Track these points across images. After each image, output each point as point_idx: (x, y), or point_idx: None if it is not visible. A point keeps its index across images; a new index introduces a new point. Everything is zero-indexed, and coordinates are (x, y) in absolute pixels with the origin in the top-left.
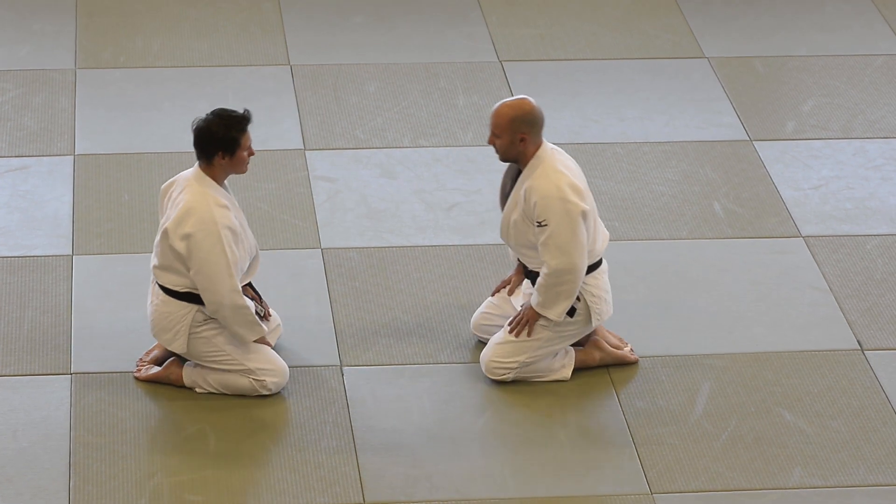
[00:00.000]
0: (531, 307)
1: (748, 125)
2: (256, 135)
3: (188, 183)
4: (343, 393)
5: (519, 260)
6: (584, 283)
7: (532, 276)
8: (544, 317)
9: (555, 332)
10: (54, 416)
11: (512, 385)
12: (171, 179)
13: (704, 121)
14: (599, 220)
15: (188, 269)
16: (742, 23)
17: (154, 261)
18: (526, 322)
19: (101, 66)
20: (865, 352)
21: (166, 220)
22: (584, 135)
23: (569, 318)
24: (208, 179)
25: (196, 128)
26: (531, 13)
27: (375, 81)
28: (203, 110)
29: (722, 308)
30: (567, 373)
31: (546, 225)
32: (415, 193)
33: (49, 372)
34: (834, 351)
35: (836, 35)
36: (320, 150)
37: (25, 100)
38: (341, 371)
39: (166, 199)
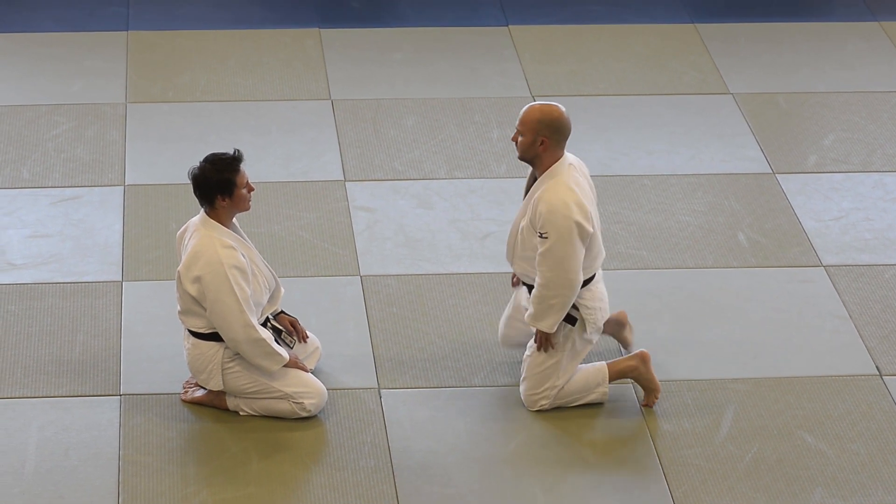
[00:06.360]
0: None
1: (771, 158)
2: (299, 166)
3: (196, 228)
4: (381, 415)
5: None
6: (580, 295)
7: (530, 288)
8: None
9: (568, 351)
10: (104, 436)
11: (543, 409)
12: (184, 226)
13: (729, 154)
14: (600, 238)
15: (205, 310)
16: (765, 60)
17: (178, 306)
18: (542, 340)
19: (151, 100)
20: (884, 377)
21: (180, 265)
22: (613, 167)
23: (570, 327)
24: (213, 222)
25: (192, 177)
26: (562, 51)
27: (413, 115)
28: (248, 143)
29: (745, 334)
30: (605, 390)
31: (547, 237)
32: (450, 223)
33: (99, 393)
34: (853, 376)
35: (855, 72)
36: (360, 181)
37: (78, 132)
38: (379, 393)
39: (181, 246)
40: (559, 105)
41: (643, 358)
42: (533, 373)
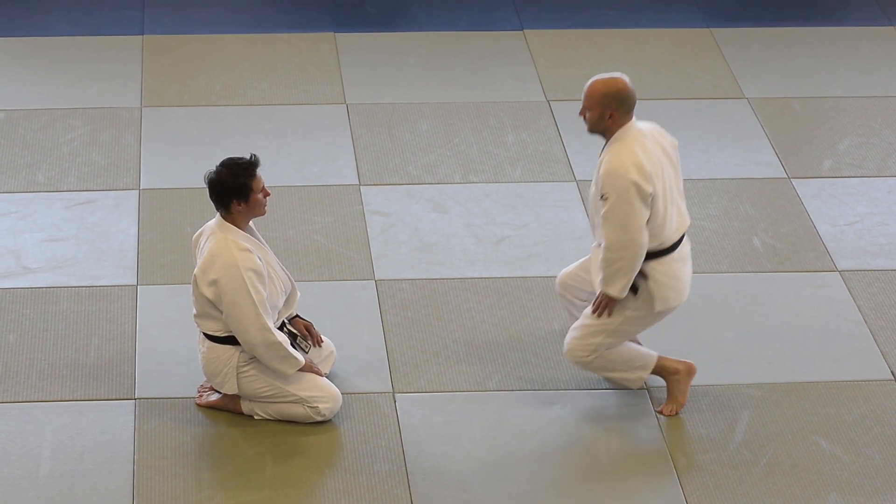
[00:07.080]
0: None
1: (786, 163)
2: (314, 171)
3: (212, 231)
4: (395, 419)
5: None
6: (651, 266)
7: None
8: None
9: (624, 317)
10: (119, 440)
11: (558, 412)
12: (200, 229)
13: (744, 159)
14: (676, 206)
15: (221, 313)
16: (780, 64)
17: (193, 310)
18: (603, 304)
19: (166, 104)
20: None
21: (196, 269)
22: None
23: (633, 296)
24: (229, 226)
25: (208, 181)
26: (577, 55)
27: (428, 120)
28: (263, 147)
29: (760, 339)
30: (643, 375)
31: (607, 199)
32: (465, 227)
33: (114, 397)
34: (868, 381)
35: (871, 77)
36: (375, 185)
37: (93, 136)
38: (394, 398)
39: (197, 249)
40: (623, 76)
41: (689, 370)
42: (586, 322)
